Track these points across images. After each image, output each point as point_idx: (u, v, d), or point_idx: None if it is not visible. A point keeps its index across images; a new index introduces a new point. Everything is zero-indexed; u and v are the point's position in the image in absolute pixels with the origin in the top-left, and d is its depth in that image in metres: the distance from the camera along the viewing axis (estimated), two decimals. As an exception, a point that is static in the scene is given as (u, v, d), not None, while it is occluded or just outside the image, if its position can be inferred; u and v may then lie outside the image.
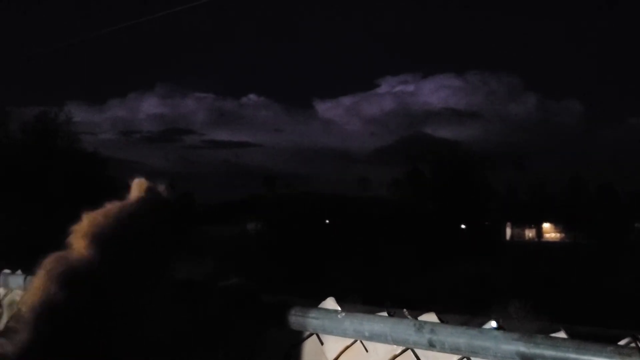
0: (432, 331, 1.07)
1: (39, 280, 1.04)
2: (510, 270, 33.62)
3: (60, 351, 0.97)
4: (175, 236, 1.22)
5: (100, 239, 1.09)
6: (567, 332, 0.98)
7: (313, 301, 1.30)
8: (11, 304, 2.01)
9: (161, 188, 1.24)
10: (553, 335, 0.98)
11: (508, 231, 63.94)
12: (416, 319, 1.12)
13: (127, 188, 1.26)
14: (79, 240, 1.10)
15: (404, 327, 1.10)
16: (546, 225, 64.77)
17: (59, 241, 1.15)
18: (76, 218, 1.17)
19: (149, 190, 1.22)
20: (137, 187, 1.25)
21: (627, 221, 54.68)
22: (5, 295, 2.03)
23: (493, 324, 1.07)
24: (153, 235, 1.16)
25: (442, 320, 1.11)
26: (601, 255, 40.05)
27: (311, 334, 1.26)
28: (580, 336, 0.96)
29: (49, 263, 1.06)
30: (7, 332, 1.02)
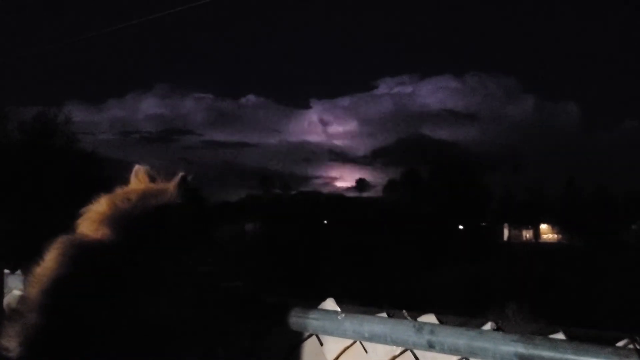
0: (431, 332, 1.07)
1: (50, 262, 1.03)
2: (507, 271, 33.66)
3: (69, 334, 0.96)
4: (193, 232, 1.20)
5: (118, 223, 1.08)
6: (565, 334, 0.99)
7: (312, 302, 1.30)
8: (10, 304, 2.00)
9: (176, 180, 1.21)
10: (551, 336, 0.99)
11: (505, 232, 63.99)
12: (415, 320, 1.12)
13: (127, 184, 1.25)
14: (92, 222, 1.09)
15: (403, 328, 1.10)
16: (543, 227, 64.86)
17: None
18: (78, 211, 1.16)
19: (181, 182, 1.20)
20: (136, 174, 1.23)
21: (623, 222, 54.81)
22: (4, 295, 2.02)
23: (492, 325, 1.08)
24: (173, 227, 1.15)
25: (441, 322, 1.12)
26: (597, 257, 40.12)
27: (311, 335, 1.27)
28: (578, 337, 0.97)
29: (62, 245, 1.05)
30: (13, 315, 1.00)
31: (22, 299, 1.03)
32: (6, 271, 2.02)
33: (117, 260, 1.03)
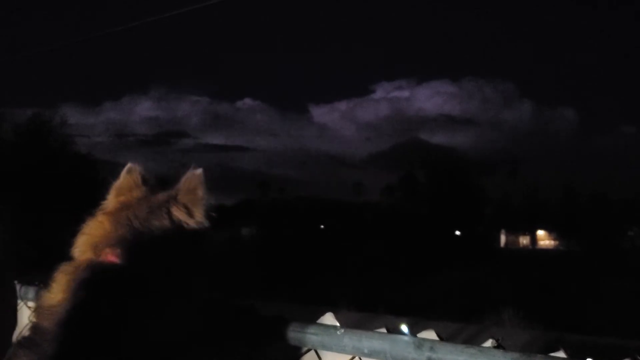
0: (431, 349, 1.06)
1: (61, 292, 0.99)
2: (504, 277, 33.68)
3: None
4: (195, 243, 1.14)
5: (127, 244, 1.03)
6: (563, 346, 0.98)
7: (308, 307, 1.28)
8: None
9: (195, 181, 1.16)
10: (552, 354, 0.98)
11: (502, 238, 64.08)
12: (415, 336, 1.11)
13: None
14: (97, 245, 1.04)
15: (403, 345, 1.10)
16: (540, 233, 64.97)
17: (56, 245, 1.10)
18: (74, 220, 1.11)
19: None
20: (130, 172, 1.17)
21: (620, 228, 54.96)
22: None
23: (492, 342, 1.07)
24: (181, 243, 1.10)
25: (441, 338, 1.11)
26: (593, 263, 40.22)
27: (309, 350, 1.26)
28: (573, 344, 0.96)
29: (70, 272, 1.01)
30: (27, 344, 0.97)
31: (35, 328, 0.99)
32: None
33: (130, 283, 1.00)
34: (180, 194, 1.14)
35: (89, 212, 1.14)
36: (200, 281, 1.14)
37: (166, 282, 1.04)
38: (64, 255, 1.10)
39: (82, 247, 1.06)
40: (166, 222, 1.09)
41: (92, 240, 1.05)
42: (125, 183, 1.17)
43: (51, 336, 0.94)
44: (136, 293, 0.99)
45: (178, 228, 1.09)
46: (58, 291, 0.99)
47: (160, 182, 1.21)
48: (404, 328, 1.23)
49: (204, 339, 1.14)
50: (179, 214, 1.11)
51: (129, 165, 1.18)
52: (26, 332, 1.02)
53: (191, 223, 1.11)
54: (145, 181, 1.17)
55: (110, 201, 1.16)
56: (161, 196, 1.14)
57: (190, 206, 1.13)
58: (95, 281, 0.99)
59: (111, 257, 1.02)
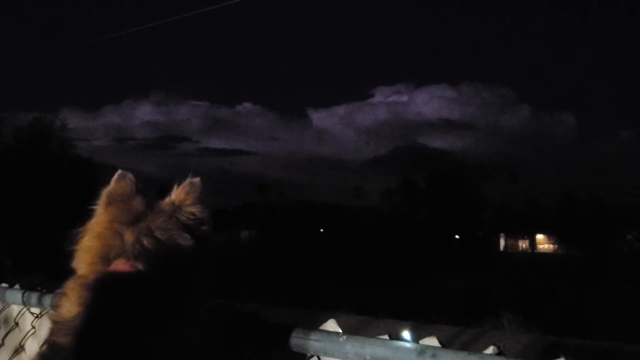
0: (433, 356, 1.07)
1: (76, 302, 0.96)
2: (503, 281, 33.66)
3: None
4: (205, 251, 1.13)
5: (151, 253, 1.00)
6: (561, 349, 0.99)
7: (308, 311, 1.28)
8: (7, 319, 1.97)
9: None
10: (553, 361, 0.99)
11: (502, 242, 64.03)
12: (417, 342, 1.12)
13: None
14: (111, 254, 1.01)
15: (405, 351, 1.10)
16: (539, 237, 64.92)
17: (57, 247, 1.07)
18: (72, 224, 1.09)
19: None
20: (124, 178, 1.13)
21: (619, 233, 54.91)
22: (1, 310, 1.99)
23: (494, 349, 1.08)
24: (195, 249, 1.08)
25: (442, 344, 1.12)
26: (592, 267, 40.19)
27: (312, 356, 1.26)
28: (572, 348, 0.97)
29: (87, 283, 0.97)
30: None
31: (52, 346, 0.96)
32: (4, 285, 1.97)
33: (156, 293, 0.97)
34: (183, 202, 1.14)
35: (81, 220, 1.10)
36: (209, 288, 1.13)
37: (187, 290, 1.04)
38: (62, 263, 1.07)
39: (91, 258, 1.03)
40: (180, 232, 1.08)
41: (104, 251, 1.02)
42: (118, 190, 1.12)
43: (70, 352, 0.91)
44: (163, 302, 0.97)
45: (190, 236, 1.09)
46: (73, 305, 0.96)
47: (151, 189, 1.18)
48: (406, 335, 1.23)
49: (213, 346, 1.14)
50: (187, 222, 1.11)
51: (120, 171, 1.14)
52: (43, 350, 0.98)
53: (198, 231, 1.12)
54: (138, 189, 1.14)
55: (102, 208, 1.11)
56: (166, 205, 1.13)
57: (196, 215, 1.13)
58: (120, 291, 0.96)
59: (125, 267, 0.99)
